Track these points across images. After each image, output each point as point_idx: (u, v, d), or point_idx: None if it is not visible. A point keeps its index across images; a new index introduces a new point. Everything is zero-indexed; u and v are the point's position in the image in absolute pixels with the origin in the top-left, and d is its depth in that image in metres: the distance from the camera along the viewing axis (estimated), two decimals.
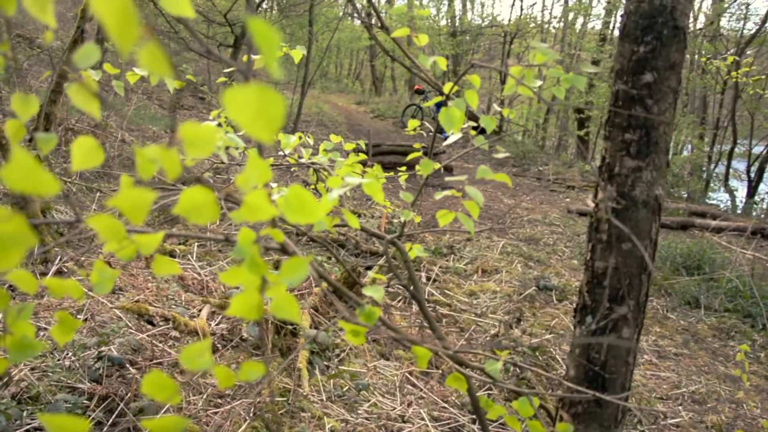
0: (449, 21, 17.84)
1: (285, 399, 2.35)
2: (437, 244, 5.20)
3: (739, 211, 10.44)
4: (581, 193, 9.49)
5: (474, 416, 2.52)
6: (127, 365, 2.29)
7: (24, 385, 2.02)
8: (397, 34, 1.41)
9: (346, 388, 2.61)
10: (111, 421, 2.00)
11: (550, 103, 1.18)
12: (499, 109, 1.81)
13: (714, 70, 11.75)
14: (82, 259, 3.09)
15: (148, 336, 2.52)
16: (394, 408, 2.53)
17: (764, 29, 11.09)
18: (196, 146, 0.47)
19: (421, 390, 2.76)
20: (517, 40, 16.90)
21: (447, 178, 1.23)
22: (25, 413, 1.90)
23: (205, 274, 3.46)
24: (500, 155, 1.34)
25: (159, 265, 0.73)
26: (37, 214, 3.01)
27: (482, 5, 24.66)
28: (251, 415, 2.20)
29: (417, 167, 1.43)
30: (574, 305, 1.65)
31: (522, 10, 20.90)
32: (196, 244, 3.96)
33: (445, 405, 2.64)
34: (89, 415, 1.99)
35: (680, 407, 3.05)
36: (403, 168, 2.09)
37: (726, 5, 12.33)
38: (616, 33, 14.00)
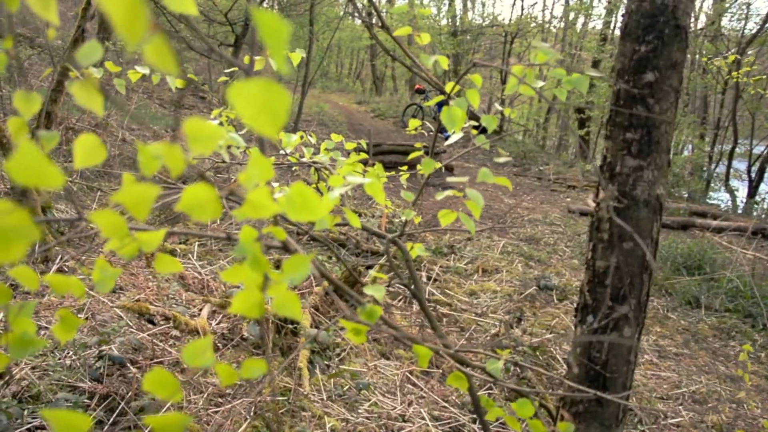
0: (450, 20, 17.84)
1: (285, 398, 2.35)
2: (438, 243, 5.20)
3: (739, 211, 10.44)
4: (582, 192, 9.48)
5: (474, 415, 2.52)
6: (128, 364, 2.29)
7: (25, 384, 2.02)
8: (399, 33, 1.41)
9: (347, 387, 2.62)
10: (112, 420, 2.00)
11: (551, 103, 1.18)
12: (500, 108, 1.80)
13: (715, 70, 11.75)
14: (83, 258, 3.09)
15: (148, 335, 2.52)
16: (395, 407, 2.53)
17: (765, 29, 11.08)
18: (200, 142, 0.47)
19: (422, 389, 2.76)
20: (518, 40, 16.91)
21: (448, 179, 1.23)
22: (25, 412, 1.90)
23: (206, 273, 3.46)
24: (501, 160, 1.33)
25: (161, 263, 0.73)
26: (37, 213, 3.01)
27: (483, 5, 24.64)
28: (252, 414, 2.20)
29: (418, 167, 1.43)
30: (575, 304, 1.65)
31: (523, 9, 20.93)
32: (197, 243, 3.96)
33: (446, 404, 2.64)
34: (90, 414, 1.99)
35: (681, 407, 3.05)
36: (404, 167, 2.09)
37: (727, 5, 12.32)
38: (617, 33, 14.00)
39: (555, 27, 18.54)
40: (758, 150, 11.91)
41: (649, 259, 1.51)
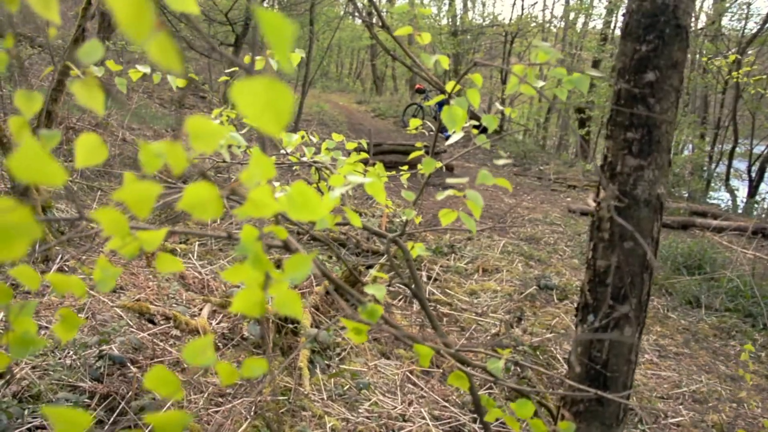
0: (450, 20, 17.84)
1: (286, 398, 2.35)
2: (438, 243, 5.20)
3: (740, 211, 10.44)
4: (582, 192, 9.48)
5: (475, 415, 2.52)
6: (128, 364, 2.29)
7: (25, 384, 2.02)
8: (399, 32, 1.41)
9: (347, 387, 2.62)
10: (112, 419, 2.00)
11: (552, 102, 1.18)
12: (501, 108, 1.80)
13: (715, 70, 11.74)
14: (84, 257, 3.09)
15: (149, 335, 2.52)
16: (395, 407, 2.53)
17: (765, 29, 11.08)
18: (202, 140, 0.47)
19: (422, 389, 2.76)
20: (518, 40, 16.90)
21: (448, 179, 1.22)
22: (26, 412, 1.90)
23: (206, 273, 3.46)
24: (501, 161, 1.33)
25: (161, 262, 0.73)
26: (38, 212, 3.01)
27: (483, 4, 24.61)
28: (252, 413, 2.20)
29: (418, 166, 1.43)
30: (576, 304, 1.65)
31: (523, 9, 20.92)
32: (197, 243, 3.96)
33: (446, 404, 2.64)
34: (90, 414, 1.99)
35: (681, 406, 3.05)
36: (405, 167, 2.09)
37: (727, 5, 12.31)
38: (618, 32, 14.01)
39: (555, 27, 18.55)
40: (758, 150, 11.91)
41: (650, 259, 1.51)
